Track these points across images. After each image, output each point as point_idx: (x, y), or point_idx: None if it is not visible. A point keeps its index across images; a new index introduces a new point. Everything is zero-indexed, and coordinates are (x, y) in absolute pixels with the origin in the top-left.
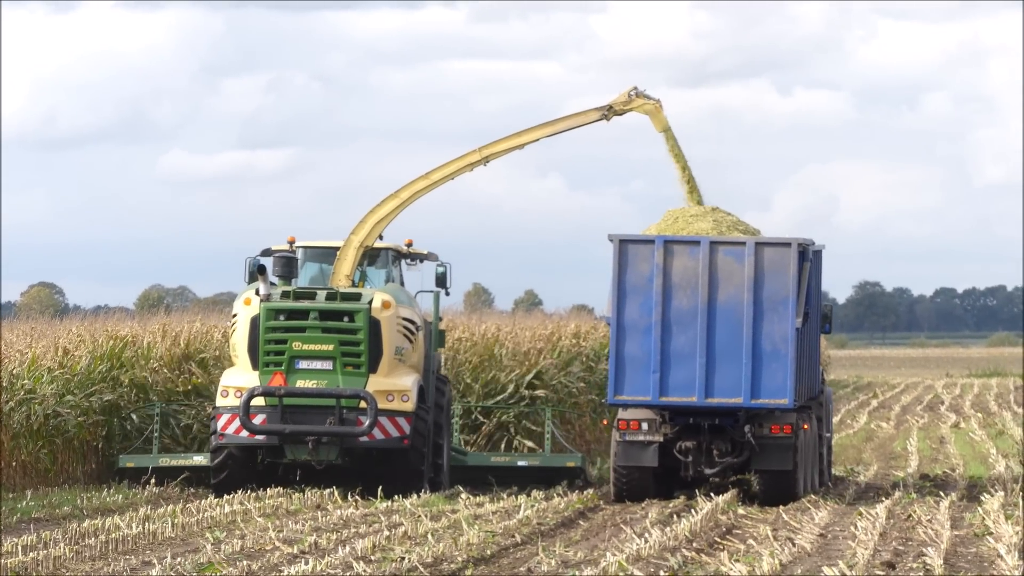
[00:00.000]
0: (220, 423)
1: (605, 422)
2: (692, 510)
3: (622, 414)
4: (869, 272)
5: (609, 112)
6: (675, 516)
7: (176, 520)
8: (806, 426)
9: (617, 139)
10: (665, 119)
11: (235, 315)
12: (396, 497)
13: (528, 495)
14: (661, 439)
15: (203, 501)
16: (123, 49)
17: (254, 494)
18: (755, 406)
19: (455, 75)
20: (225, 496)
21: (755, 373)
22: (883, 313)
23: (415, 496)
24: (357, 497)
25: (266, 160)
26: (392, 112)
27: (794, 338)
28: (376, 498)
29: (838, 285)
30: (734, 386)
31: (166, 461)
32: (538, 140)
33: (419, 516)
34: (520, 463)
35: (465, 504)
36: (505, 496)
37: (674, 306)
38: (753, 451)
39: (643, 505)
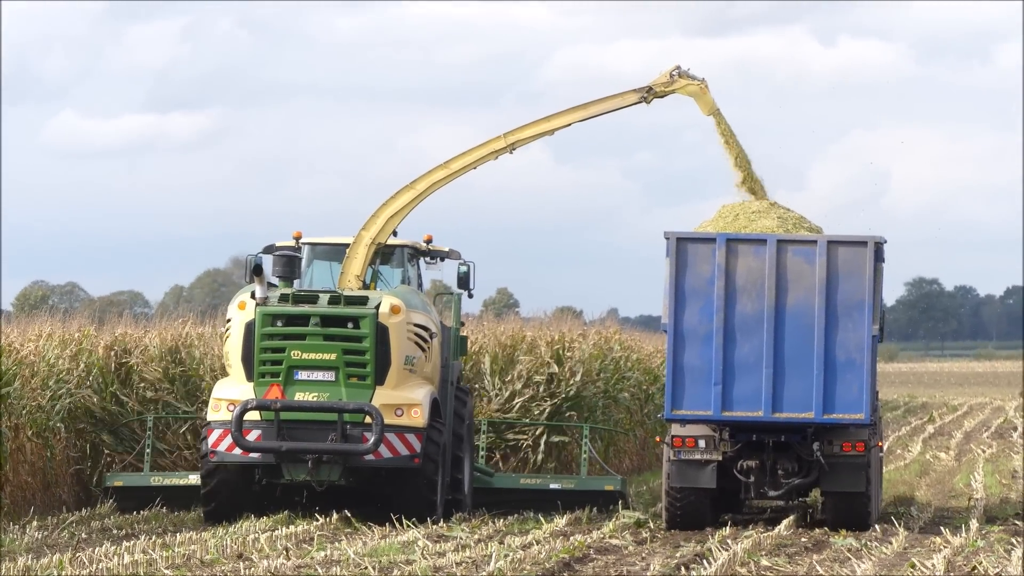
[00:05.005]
0: (211, 439)
1: (659, 439)
2: (704, 560)
3: (676, 430)
4: (925, 267)
5: (649, 94)
6: (683, 568)
7: (63, 574)
8: (880, 443)
9: None
10: (712, 101)
11: (229, 320)
12: (337, 544)
13: (506, 538)
14: (720, 458)
15: (98, 549)
16: None
17: (160, 540)
18: (828, 421)
19: (413, 20)
20: (125, 543)
21: (828, 385)
22: (942, 317)
23: (361, 544)
24: (289, 545)
25: (180, 124)
26: (335, 65)
27: (870, 346)
28: (311, 546)
29: (887, 282)
30: (804, 399)
31: (158, 480)
32: (570, 125)
33: (364, 569)
34: (553, 486)
35: (423, 553)
36: (473, 544)
37: (738, 311)
38: (822, 471)
39: (644, 554)
